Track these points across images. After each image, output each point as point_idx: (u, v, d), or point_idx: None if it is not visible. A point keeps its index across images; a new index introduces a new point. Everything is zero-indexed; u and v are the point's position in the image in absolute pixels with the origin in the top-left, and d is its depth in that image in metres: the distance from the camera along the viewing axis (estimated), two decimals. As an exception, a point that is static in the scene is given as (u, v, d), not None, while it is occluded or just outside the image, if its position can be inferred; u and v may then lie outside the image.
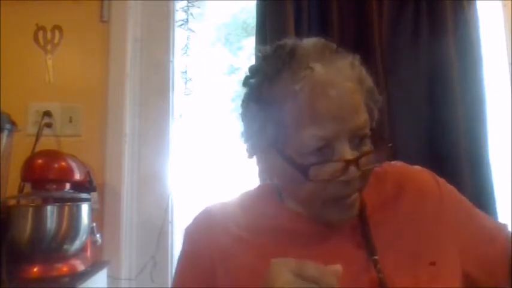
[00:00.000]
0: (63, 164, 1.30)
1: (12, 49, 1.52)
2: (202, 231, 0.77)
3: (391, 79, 1.51)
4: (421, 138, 1.50)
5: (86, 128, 1.53)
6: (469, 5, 1.57)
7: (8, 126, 1.24)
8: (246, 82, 0.72)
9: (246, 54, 1.91)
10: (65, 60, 1.57)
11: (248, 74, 0.72)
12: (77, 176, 1.33)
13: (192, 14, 1.70)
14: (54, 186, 1.28)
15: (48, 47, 1.56)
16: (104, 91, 1.54)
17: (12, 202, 1.26)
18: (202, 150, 1.77)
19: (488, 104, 1.54)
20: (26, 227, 1.19)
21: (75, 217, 1.25)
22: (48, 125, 1.51)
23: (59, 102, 1.53)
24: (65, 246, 1.23)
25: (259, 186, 0.83)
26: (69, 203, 1.25)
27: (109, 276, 1.43)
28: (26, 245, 1.19)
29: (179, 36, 1.70)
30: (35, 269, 1.18)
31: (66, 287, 1.16)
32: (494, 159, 1.53)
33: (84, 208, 1.28)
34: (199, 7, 1.73)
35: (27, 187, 1.32)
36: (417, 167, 0.81)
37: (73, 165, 1.33)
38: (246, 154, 0.74)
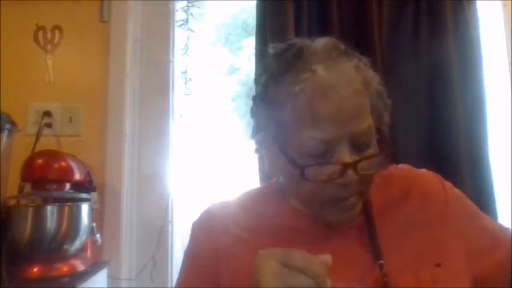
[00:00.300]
0: (63, 164, 1.30)
1: (12, 49, 1.52)
2: (207, 228, 0.77)
3: (391, 79, 1.50)
4: (421, 138, 1.50)
5: (86, 128, 1.53)
6: (469, 5, 1.57)
7: (8, 126, 1.24)
8: (256, 79, 0.74)
9: (246, 54, 1.91)
10: (65, 60, 1.57)
11: (259, 70, 0.74)
12: (77, 176, 1.33)
13: (192, 14, 1.71)
14: (54, 186, 1.28)
15: (48, 47, 1.56)
16: (104, 91, 1.54)
17: (12, 202, 1.25)
18: (202, 150, 1.77)
19: (488, 104, 1.54)
20: (26, 227, 1.18)
21: (75, 217, 1.25)
22: (48, 125, 1.51)
23: (59, 102, 1.53)
24: (65, 246, 1.23)
25: (264, 185, 0.84)
26: (69, 203, 1.25)
27: (109, 276, 1.43)
28: (26, 245, 1.19)
29: (179, 36, 1.70)
30: (35, 269, 1.18)
31: (66, 287, 1.15)
32: (494, 159, 1.53)
33: (84, 208, 1.28)
34: (199, 7, 1.73)
35: (27, 187, 1.32)
36: (423, 170, 0.81)
37: (73, 165, 1.33)
38: (253, 149, 0.76)
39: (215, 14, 1.88)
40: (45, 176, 1.28)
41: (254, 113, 0.73)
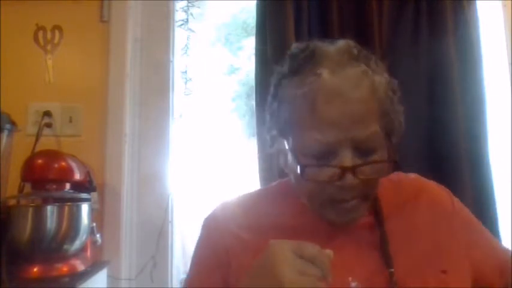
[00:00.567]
0: (63, 164, 1.30)
1: (12, 49, 1.52)
2: (219, 223, 0.79)
3: (391, 79, 1.50)
4: (421, 138, 1.50)
5: (86, 128, 1.53)
6: (469, 5, 1.57)
7: (8, 126, 1.24)
8: (273, 77, 0.76)
9: (246, 54, 1.91)
10: (65, 60, 1.56)
11: (276, 68, 0.76)
12: (77, 176, 1.33)
13: (192, 14, 1.71)
14: (54, 186, 1.28)
15: (48, 47, 1.56)
16: (104, 91, 1.54)
17: (12, 202, 1.25)
18: (203, 150, 1.77)
19: (488, 104, 1.54)
20: (26, 227, 1.18)
21: (75, 217, 1.25)
22: (48, 125, 1.51)
23: (59, 102, 1.53)
24: (65, 246, 1.23)
25: (277, 182, 0.85)
26: (69, 203, 1.25)
27: (109, 276, 1.43)
28: (26, 245, 1.19)
29: (179, 36, 1.70)
30: (35, 269, 1.18)
31: (66, 287, 1.15)
32: (494, 159, 1.53)
33: (84, 208, 1.28)
34: (199, 7, 1.73)
35: (27, 187, 1.32)
36: (432, 182, 0.83)
37: (73, 165, 1.33)
38: (268, 145, 0.78)
39: (215, 14, 1.88)
40: (45, 176, 1.28)
41: (268, 109, 0.76)
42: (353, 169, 0.64)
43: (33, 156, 1.34)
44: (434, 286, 0.68)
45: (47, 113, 1.51)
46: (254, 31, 1.58)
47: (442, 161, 1.46)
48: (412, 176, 0.83)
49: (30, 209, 1.22)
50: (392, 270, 0.67)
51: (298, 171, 0.66)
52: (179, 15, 1.71)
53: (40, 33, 1.56)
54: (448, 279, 0.69)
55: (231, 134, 1.86)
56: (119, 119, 1.54)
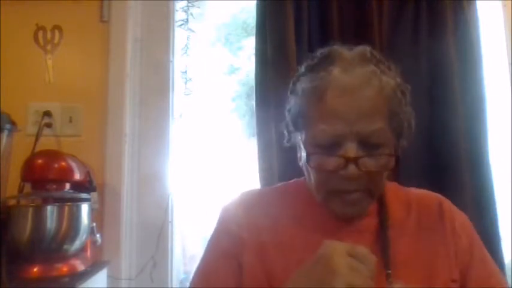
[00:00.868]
0: (63, 164, 1.30)
1: (12, 49, 1.52)
2: (237, 211, 0.82)
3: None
4: (421, 138, 1.50)
5: (86, 128, 1.53)
6: (469, 5, 1.57)
7: (8, 126, 1.24)
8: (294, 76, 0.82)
9: (246, 54, 1.91)
10: (65, 60, 1.56)
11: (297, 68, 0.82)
12: (77, 176, 1.33)
13: (192, 14, 1.70)
14: (54, 186, 1.28)
15: (48, 47, 1.56)
16: (104, 91, 1.54)
17: (12, 202, 1.25)
18: (203, 150, 1.77)
19: (488, 104, 1.54)
20: (26, 227, 1.18)
21: (75, 217, 1.25)
22: (48, 125, 1.51)
23: (59, 102, 1.53)
24: (65, 246, 1.23)
25: (295, 180, 0.88)
26: (69, 203, 1.25)
27: (109, 276, 1.43)
28: (26, 245, 1.19)
29: (179, 36, 1.70)
30: (35, 269, 1.18)
31: (66, 287, 1.15)
32: (494, 159, 1.53)
33: (84, 208, 1.28)
34: (199, 7, 1.73)
35: (27, 187, 1.32)
36: (439, 195, 0.85)
37: (73, 165, 1.33)
38: (285, 140, 0.84)
39: (215, 14, 1.88)
40: (45, 176, 1.28)
41: (287, 106, 0.81)
42: (356, 160, 0.67)
43: (33, 156, 1.34)
44: None
45: (47, 113, 1.51)
46: (254, 31, 1.58)
47: (442, 161, 1.46)
48: (418, 190, 0.86)
49: (30, 209, 1.21)
50: (390, 271, 0.69)
51: (306, 159, 0.71)
52: (179, 15, 1.71)
53: (40, 33, 1.56)
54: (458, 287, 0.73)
55: (231, 134, 1.86)
56: (119, 119, 1.54)
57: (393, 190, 0.83)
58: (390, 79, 0.73)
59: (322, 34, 1.51)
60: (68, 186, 1.31)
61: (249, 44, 1.85)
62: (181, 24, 1.69)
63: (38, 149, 1.43)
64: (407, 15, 1.56)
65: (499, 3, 1.66)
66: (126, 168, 1.54)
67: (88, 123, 1.53)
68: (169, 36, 1.66)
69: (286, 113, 0.81)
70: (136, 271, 1.53)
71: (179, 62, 1.69)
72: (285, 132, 0.82)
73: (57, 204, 1.23)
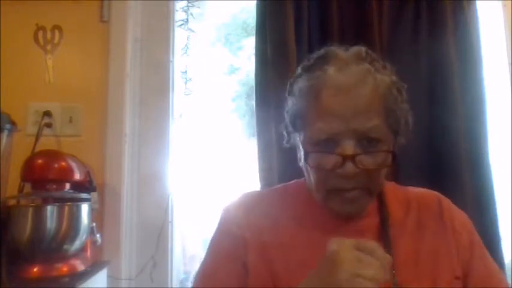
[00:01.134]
0: (63, 164, 1.30)
1: (12, 49, 1.52)
2: (238, 212, 0.82)
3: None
4: (421, 138, 1.50)
5: (86, 128, 1.53)
6: (469, 5, 1.57)
7: (8, 126, 1.24)
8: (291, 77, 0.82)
9: (246, 54, 1.91)
10: (65, 60, 1.56)
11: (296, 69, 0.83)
12: (77, 176, 1.33)
13: (192, 14, 1.70)
14: (54, 186, 1.28)
15: (48, 47, 1.56)
16: (104, 91, 1.54)
17: (12, 202, 1.25)
18: (202, 150, 1.77)
19: (488, 104, 1.54)
20: (26, 227, 1.18)
21: (75, 217, 1.25)
22: (48, 125, 1.51)
23: (59, 102, 1.53)
24: (65, 246, 1.23)
25: (295, 181, 0.88)
26: (69, 203, 1.25)
27: (109, 276, 1.43)
28: (26, 245, 1.19)
29: (179, 36, 1.70)
30: (35, 269, 1.18)
31: (66, 287, 1.15)
32: (494, 159, 1.53)
33: (84, 208, 1.28)
34: (199, 7, 1.73)
35: (27, 187, 1.32)
36: (441, 195, 0.86)
37: (73, 165, 1.33)
38: (285, 140, 0.85)
39: (215, 14, 1.88)
40: (45, 176, 1.28)
41: (286, 107, 0.81)
42: (353, 157, 0.68)
43: (33, 156, 1.34)
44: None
45: (47, 113, 1.51)
46: (254, 31, 1.58)
47: (442, 161, 1.46)
48: (418, 189, 0.86)
49: (30, 209, 1.21)
50: (394, 271, 0.69)
51: (304, 158, 0.72)
52: (179, 15, 1.71)
53: (40, 33, 1.56)
54: (462, 284, 0.74)
55: (231, 134, 1.86)
56: (119, 119, 1.54)
57: (392, 190, 0.83)
58: (385, 77, 0.74)
59: (322, 34, 1.51)
60: (68, 186, 1.31)
61: (249, 44, 1.85)
62: (181, 24, 1.69)
63: (38, 149, 1.43)
64: (407, 15, 1.56)
65: (499, 3, 1.66)
66: (126, 168, 1.53)
67: (88, 123, 1.53)
68: (169, 36, 1.66)
69: (285, 115, 0.81)
70: (136, 271, 1.53)
71: (179, 62, 1.69)
72: (285, 133, 0.83)
73: (57, 204, 1.23)
